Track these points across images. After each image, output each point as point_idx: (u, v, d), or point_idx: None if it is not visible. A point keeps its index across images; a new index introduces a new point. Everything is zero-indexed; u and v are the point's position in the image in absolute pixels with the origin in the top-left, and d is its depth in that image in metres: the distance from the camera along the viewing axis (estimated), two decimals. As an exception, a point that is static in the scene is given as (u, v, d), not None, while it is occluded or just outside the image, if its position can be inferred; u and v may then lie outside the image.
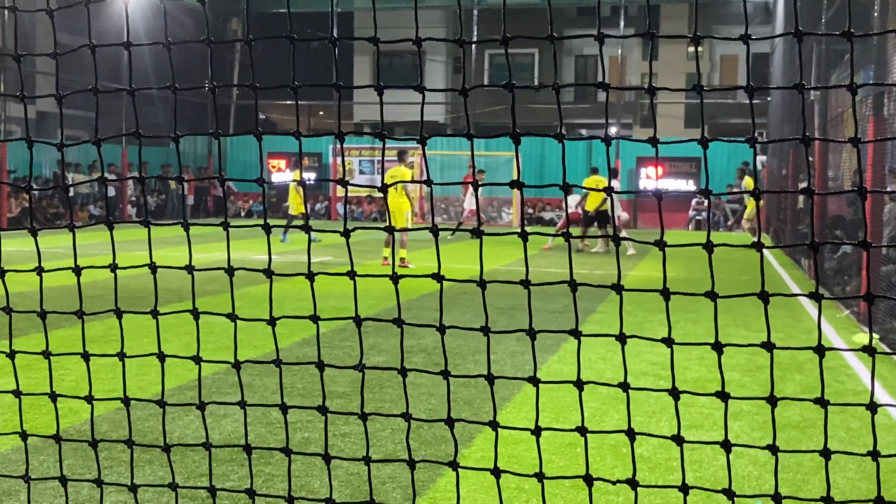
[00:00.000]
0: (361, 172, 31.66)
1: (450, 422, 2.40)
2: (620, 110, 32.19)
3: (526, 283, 2.26)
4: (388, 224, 2.40)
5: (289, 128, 44.74)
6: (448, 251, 17.99)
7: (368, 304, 10.05)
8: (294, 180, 21.62)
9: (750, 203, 21.62)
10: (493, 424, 2.39)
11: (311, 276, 2.38)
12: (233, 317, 2.44)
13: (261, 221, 2.42)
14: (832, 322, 9.71)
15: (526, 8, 30.95)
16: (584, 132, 37.38)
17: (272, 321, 2.50)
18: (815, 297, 2.12)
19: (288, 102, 36.54)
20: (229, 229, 2.54)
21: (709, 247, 2.11)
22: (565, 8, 36.63)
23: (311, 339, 8.02)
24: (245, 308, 9.42)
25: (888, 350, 8.10)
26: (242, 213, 32.38)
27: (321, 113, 43.09)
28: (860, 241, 2.00)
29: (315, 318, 2.40)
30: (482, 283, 2.40)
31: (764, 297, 2.11)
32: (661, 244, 2.16)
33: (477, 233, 2.21)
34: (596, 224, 18.48)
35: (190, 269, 2.39)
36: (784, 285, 13.31)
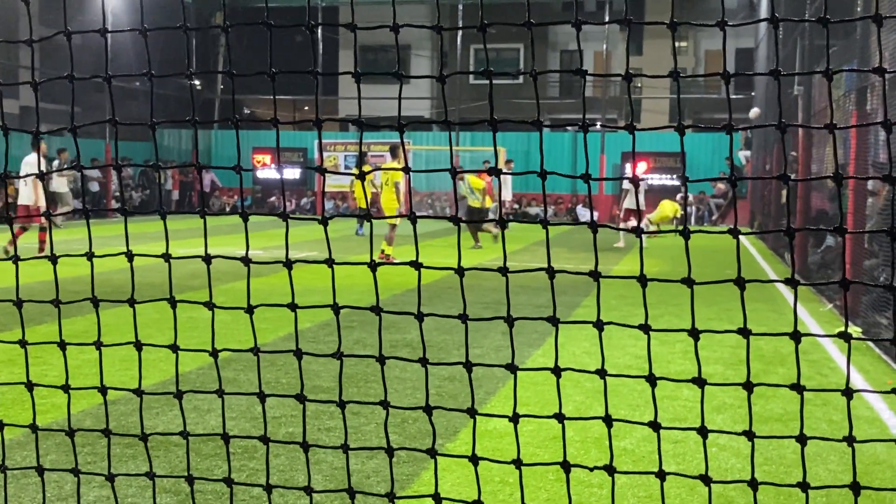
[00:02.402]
0: (347, 168, 31.60)
1: (428, 409, 2.40)
2: (605, 105, 32.22)
3: (504, 271, 2.26)
4: (368, 214, 2.38)
5: (277, 119, 44.65)
6: (434, 246, 18.02)
7: (353, 298, 10.04)
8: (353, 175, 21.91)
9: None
10: (471, 412, 2.39)
11: (288, 265, 2.37)
12: (210, 305, 2.43)
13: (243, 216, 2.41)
14: (815, 316, 9.76)
15: (511, 3, 30.93)
16: (569, 128, 37.37)
17: (249, 310, 2.49)
18: (791, 283, 2.13)
19: (272, 96, 36.41)
20: (216, 225, 2.52)
21: (685, 233, 2.12)
22: (551, 3, 36.64)
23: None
24: (229, 303, 9.39)
25: (872, 345, 8.14)
26: (227, 209, 32.26)
27: (306, 108, 42.97)
28: (836, 227, 2.01)
29: (293, 307, 2.39)
30: (460, 271, 2.40)
31: (740, 283, 2.11)
32: (637, 231, 2.16)
33: (454, 220, 2.20)
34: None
35: (167, 257, 2.38)
36: (765, 276, 13.36)
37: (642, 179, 26.41)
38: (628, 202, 20.31)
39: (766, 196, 21.58)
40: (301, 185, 33.07)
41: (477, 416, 4.16)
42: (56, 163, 16.06)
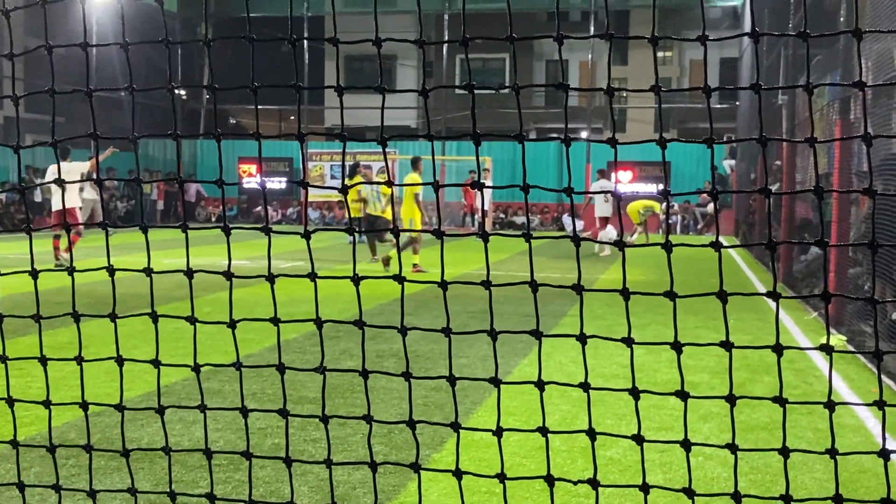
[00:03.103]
0: (333, 177, 31.56)
1: (412, 424, 2.39)
2: (591, 115, 32.32)
3: (487, 284, 2.27)
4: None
5: (260, 132, 44.62)
6: (423, 255, 18.00)
7: (340, 307, 10.03)
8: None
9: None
10: (455, 426, 2.39)
11: (271, 279, 2.37)
12: (192, 320, 2.42)
13: (233, 227, 2.40)
14: (800, 324, 9.80)
15: (497, 13, 31.04)
16: (555, 135, 37.48)
17: (232, 324, 2.49)
18: (773, 295, 2.14)
19: (259, 107, 36.39)
20: (203, 235, 2.52)
21: (667, 247, 2.13)
22: (536, 13, 36.79)
23: (282, 344, 7.98)
24: (216, 313, 9.36)
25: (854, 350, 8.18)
26: (213, 219, 32.18)
27: (292, 118, 42.93)
28: (817, 241, 2.02)
29: (276, 321, 2.39)
30: (443, 285, 2.40)
31: (722, 296, 2.12)
32: (620, 244, 2.17)
33: (437, 234, 2.20)
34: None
35: (148, 271, 2.37)
36: (752, 288, 13.42)
37: (623, 194, 26.54)
38: (601, 210, 20.32)
39: (751, 205, 21.66)
40: (287, 195, 33.03)
41: (465, 424, 4.13)
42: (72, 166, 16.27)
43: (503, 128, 34.81)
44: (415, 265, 14.87)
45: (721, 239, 8.11)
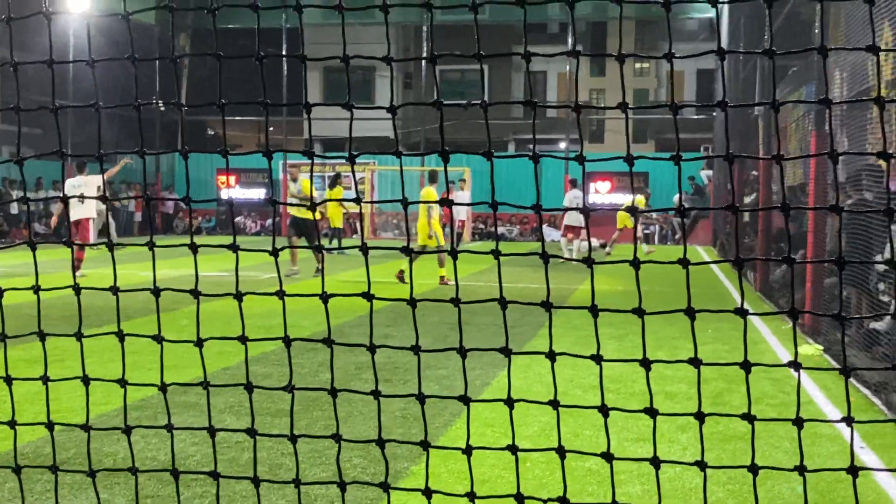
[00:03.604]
0: (314, 189, 31.54)
1: (381, 443, 2.39)
2: (570, 126, 32.45)
3: (456, 302, 2.27)
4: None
5: (237, 143, 44.49)
6: (404, 265, 17.97)
7: (320, 318, 9.99)
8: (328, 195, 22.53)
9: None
10: (425, 444, 2.40)
11: (239, 297, 2.36)
12: (159, 338, 2.40)
13: (206, 240, 2.39)
14: (778, 334, 9.85)
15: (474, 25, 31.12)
16: (537, 147, 37.55)
17: (199, 343, 2.48)
18: (741, 312, 2.15)
19: (237, 118, 36.34)
20: (181, 246, 2.52)
21: (635, 263, 2.14)
22: (514, 25, 36.91)
23: (260, 356, 7.95)
24: (193, 325, 9.30)
25: (833, 363, 8.24)
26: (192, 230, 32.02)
27: (272, 129, 42.85)
28: (784, 258, 2.03)
29: (243, 339, 2.38)
30: (412, 302, 2.41)
31: (690, 313, 2.13)
32: (589, 261, 2.18)
33: (406, 251, 2.20)
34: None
35: (115, 290, 2.35)
36: (730, 297, 13.49)
37: (596, 205, 26.64)
38: (569, 219, 20.49)
39: (728, 214, 21.78)
40: (266, 206, 32.96)
41: (437, 441, 4.13)
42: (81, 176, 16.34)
43: (482, 139, 34.88)
44: (442, 277, 14.99)
45: (699, 249, 8.19)
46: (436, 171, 16.50)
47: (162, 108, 35.29)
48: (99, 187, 15.17)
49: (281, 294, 2.30)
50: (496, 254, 2.22)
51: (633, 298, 12.48)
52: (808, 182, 10.38)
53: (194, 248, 2.36)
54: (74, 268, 14.87)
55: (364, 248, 2.26)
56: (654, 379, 7.22)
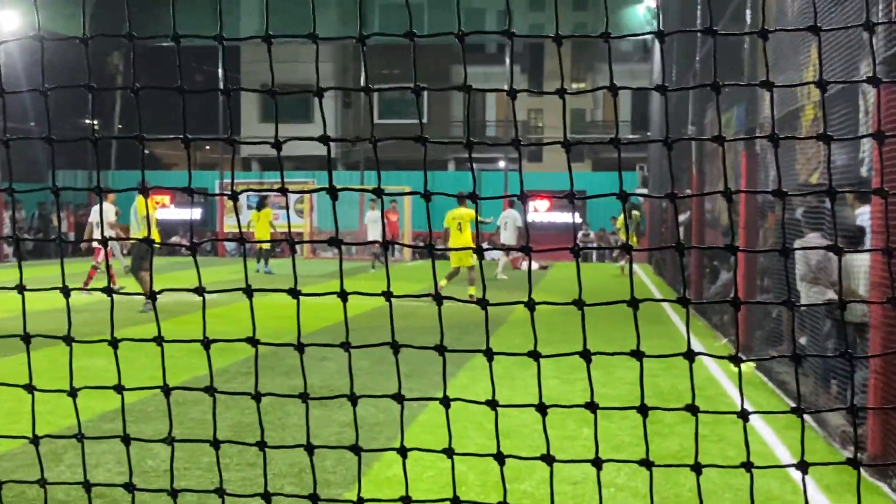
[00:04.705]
0: (249, 207, 31.24)
1: (309, 448, 2.36)
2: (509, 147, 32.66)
3: (346, 347, 2.26)
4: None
5: (173, 162, 43.96)
6: (363, 279, 17.87)
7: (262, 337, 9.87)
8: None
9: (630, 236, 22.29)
10: (356, 448, 2.38)
11: (114, 344, 2.31)
12: (71, 391, 2.35)
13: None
14: (711, 351, 9.99)
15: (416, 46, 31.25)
16: (474, 165, 37.74)
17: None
18: (637, 356, 2.17)
19: (171, 137, 35.91)
20: (117, 267, 2.46)
21: (530, 305, 2.15)
22: (453, 44, 37.06)
23: (191, 380, 7.83)
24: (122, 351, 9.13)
25: (765, 378, 8.36)
26: (125, 251, 31.46)
27: (207, 147, 42.44)
28: (678, 299, 2.05)
29: (118, 389, 2.33)
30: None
31: (586, 356, 2.14)
32: (483, 304, 2.18)
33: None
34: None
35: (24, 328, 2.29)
36: (664, 314, 13.65)
37: (534, 223, 26.83)
38: (503, 237, 20.91)
39: (664, 233, 22.12)
40: (202, 226, 32.57)
41: (377, 462, 4.07)
42: None
43: (422, 157, 34.89)
44: (471, 296, 15.03)
45: (636, 267, 8.28)
46: (463, 195, 16.72)
47: (96, 126, 34.77)
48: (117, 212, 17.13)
49: (158, 341, 2.26)
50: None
51: (566, 316, 12.59)
52: (738, 200, 10.55)
53: (110, 295, 2.30)
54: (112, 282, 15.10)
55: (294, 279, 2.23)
56: (589, 397, 7.26)
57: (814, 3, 2.16)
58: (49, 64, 2.47)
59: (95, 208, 17.09)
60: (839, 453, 5.87)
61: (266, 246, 22.11)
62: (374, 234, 24.04)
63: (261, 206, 22.61)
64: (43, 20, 2.37)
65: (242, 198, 31.27)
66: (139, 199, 15.10)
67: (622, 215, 25.56)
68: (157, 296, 2.45)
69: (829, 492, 5.02)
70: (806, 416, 6.94)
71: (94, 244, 16.11)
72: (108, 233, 17.77)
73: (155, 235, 13.75)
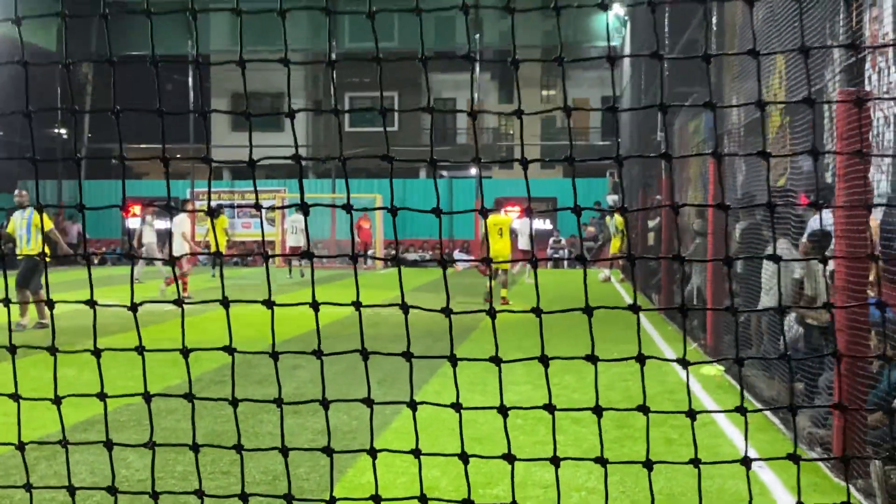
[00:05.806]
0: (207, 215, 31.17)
1: (284, 451, 2.39)
2: (480, 153, 32.78)
3: (318, 355, 2.30)
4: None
5: (144, 171, 43.68)
6: (337, 287, 17.85)
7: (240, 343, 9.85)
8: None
9: (615, 240, 22.39)
10: (328, 450, 2.40)
11: (97, 354, 2.33)
12: (55, 400, 2.36)
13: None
14: (680, 355, 10.08)
15: (383, 51, 31.30)
16: (445, 173, 37.89)
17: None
18: (591, 359, 2.22)
19: (143, 146, 35.72)
20: (98, 273, 2.47)
21: (489, 313, 2.19)
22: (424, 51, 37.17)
23: (164, 389, 7.81)
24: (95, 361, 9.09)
25: (734, 382, 8.46)
26: (95, 261, 31.24)
27: (178, 155, 42.21)
28: (630, 305, 2.11)
29: (101, 397, 2.35)
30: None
31: (544, 360, 2.19)
32: (491, 313, 2.22)
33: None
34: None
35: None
36: (632, 320, 13.76)
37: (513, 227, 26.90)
38: (522, 243, 21.54)
39: (634, 240, 22.26)
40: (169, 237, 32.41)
41: (350, 469, 4.10)
42: None
43: (394, 165, 34.92)
44: (503, 299, 15.69)
45: (606, 271, 8.34)
46: (503, 200, 17.59)
47: (65, 136, 34.50)
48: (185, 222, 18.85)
49: (139, 349, 2.29)
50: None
51: (547, 323, 12.65)
52: (708, 208, 10.68)
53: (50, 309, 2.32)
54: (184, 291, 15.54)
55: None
56: (561, 403, 7.32)
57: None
58: (16, 70, 2.49)
59: (176, 219, 18.44)
60: (806, 454, 5.96)
61: (223, 251, 22.14)
62: (293, 240, 24.48)
63: (216, 213, 22.61)
64: (12, 29, 2.39)
65: (212, 206, 31.17)
66: (35, 212, 14.01)
67: (618, 217, 25.60)
68: (51, 322, 2.47)
69: (794, 492, 5.10)
70: (773, 418, 7.01)
71: (182, 254, 16.82)
72: (185, 245, 18.41)
73: (35, 250, 12.66)
